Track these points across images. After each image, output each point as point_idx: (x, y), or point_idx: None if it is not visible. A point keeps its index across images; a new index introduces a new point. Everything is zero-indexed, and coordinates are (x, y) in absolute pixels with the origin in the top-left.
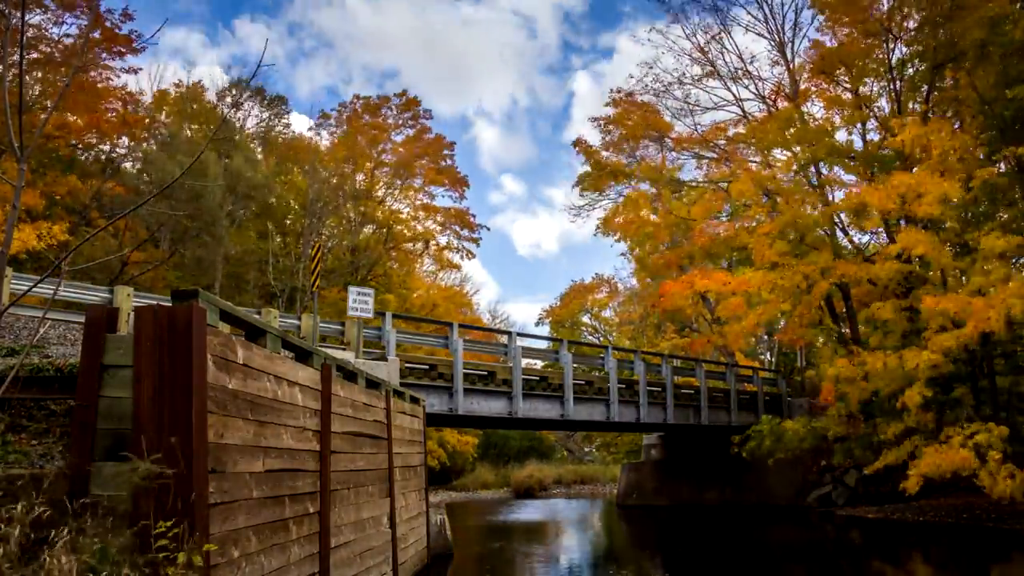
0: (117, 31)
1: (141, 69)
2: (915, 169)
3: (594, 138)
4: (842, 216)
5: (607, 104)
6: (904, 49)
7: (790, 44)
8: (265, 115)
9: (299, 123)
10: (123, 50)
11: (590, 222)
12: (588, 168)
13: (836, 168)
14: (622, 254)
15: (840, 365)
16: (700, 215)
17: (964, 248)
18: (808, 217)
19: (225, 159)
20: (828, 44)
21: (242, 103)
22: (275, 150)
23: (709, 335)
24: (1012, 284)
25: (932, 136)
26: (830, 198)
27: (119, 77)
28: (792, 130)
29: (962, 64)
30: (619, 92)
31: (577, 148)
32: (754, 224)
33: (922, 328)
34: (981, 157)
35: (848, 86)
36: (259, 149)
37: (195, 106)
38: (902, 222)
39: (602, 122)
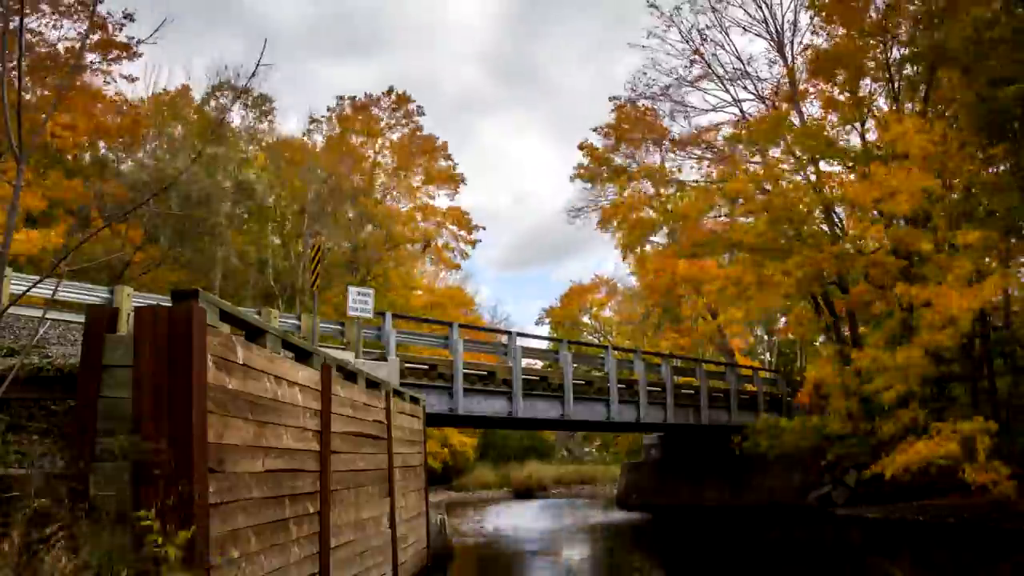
0: (116, 35)
1: (138, 79)
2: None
3: (597, 142)
4: (842, 217)
5: (611, 111)
6: (901, 50)
7: (789, 44)
8: (251, 115)
9: (289, 123)
10: (121, 55)
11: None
12: (591, 164)
13: (835, 167)
14: (616, 248)
15: (825, 373)
16: (693, 212)
17: (954, 247)
18: (800, 206)
19: (235, 167)
20: (824, 46)
21: (230, 107)
22: (265, 149)
23: (708, 334)
24: (994, 275)
25: (912, 135)
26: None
27: (116, 82)
28: (791, 129)
29: (957, 65)
30: (618, 99)
31: (583, 150)
32: (751, 220)
33: (912, 325)
34: (982, 156)
35: (846, 86)
36: (250, 149)
37: (191, 112)
38: (901, 222)
39: (602, 130)
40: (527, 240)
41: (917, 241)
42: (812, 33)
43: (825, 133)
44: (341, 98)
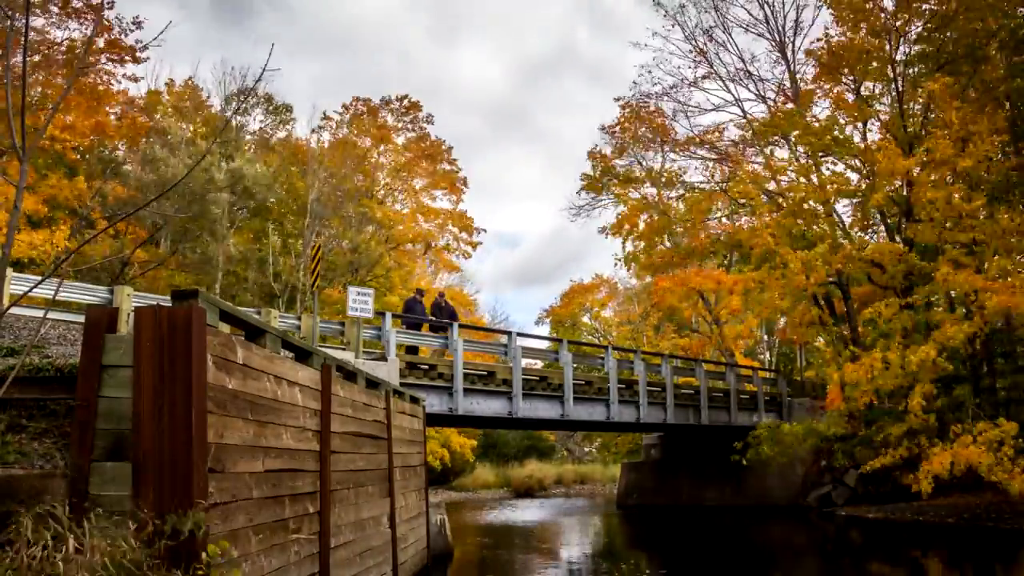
0: (123, 38)
1: (143, 78)
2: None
3: (604, 146)
4: (843, 218)
5: (619, 108)
6: (910, 48)
7: (791, 44)
8: (269, 121)
9: (301, 125)
10: (127, 58)
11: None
12: (597, 174)
13: (839, 167)
14: (616, 254)
15: (848, 370)
16: (696, 214)
17: (973, 243)
18: (812, 200)
19: (224, 160)
20: (833, 40)
21: (247, 110)
22: (277, 154)
23: (709, 335)
24: None
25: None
26: (832, 197)
27: (120, 83)
28: (795, 131)
29: (970, 60)
30: (622, 99)
31: (591, 159)
32: (754, 223)
33: (930, 324)
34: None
35: (851, 86)
36: (255, 152)
37: (189, 104)
38: (903, 221)
39: (608, 130)
40: (521, 267)
41: (943, 229)
42: (818, 39)
43: (830, 134)
44: (356, 99)
